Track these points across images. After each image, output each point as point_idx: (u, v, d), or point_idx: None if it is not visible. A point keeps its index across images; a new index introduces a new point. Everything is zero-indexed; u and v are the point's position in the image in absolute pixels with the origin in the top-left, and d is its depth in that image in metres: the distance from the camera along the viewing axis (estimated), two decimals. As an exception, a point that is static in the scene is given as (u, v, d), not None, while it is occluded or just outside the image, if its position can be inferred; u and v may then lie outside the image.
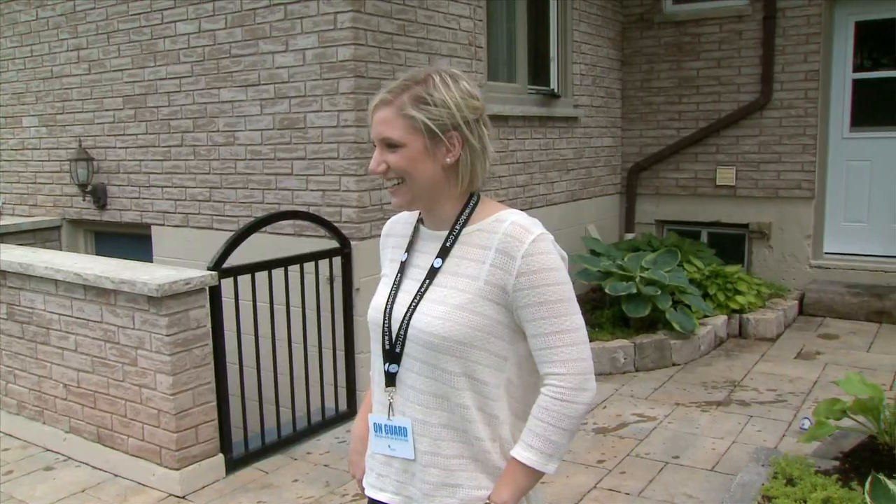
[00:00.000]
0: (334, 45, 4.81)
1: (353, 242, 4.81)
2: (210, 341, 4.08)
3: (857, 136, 7.12)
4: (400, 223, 1.86)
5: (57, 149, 6.63)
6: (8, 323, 4.71)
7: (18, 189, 7.12)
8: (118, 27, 5.94)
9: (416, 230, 1.78)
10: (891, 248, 7.10)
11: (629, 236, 7.68)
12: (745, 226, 7.44)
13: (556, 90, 6.83)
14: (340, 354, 4.82)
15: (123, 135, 6.07)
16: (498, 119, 6.03)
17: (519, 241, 1.58)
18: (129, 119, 6.00)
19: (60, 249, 6.81)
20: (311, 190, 5.05)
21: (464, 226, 1.67)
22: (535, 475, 1.61)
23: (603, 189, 7.65)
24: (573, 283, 1.63)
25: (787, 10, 6.99)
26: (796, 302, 6.90)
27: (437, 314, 1.61)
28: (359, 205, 4.86)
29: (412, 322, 1.64)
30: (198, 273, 4.01)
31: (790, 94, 6.98)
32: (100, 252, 6.85)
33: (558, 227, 6.75)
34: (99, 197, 6.29)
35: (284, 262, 4.49)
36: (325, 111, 4.90)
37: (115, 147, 6.15)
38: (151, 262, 5.91)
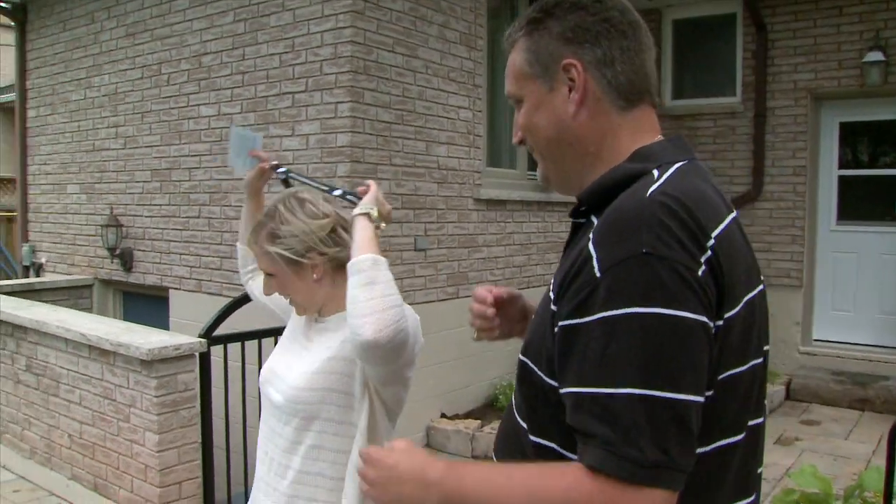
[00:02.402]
0: (334, 131, 5.26)
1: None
2: (198, 403, 4.42)
3: (844, 229, 7.35)
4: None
5: (94, 214, 7.21)
6: (27, 374, 5.18)
7: (60, 249, 7.74)
8: (151, 108, 6.54)
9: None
10: (877, 338, 7.25)
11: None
12: (740, 311, 7.62)
13: (555, 176, 7.16)
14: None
15: (150, 204, 6.62)
16: (496, 203, 6.41)
17: None
18: (155, 191, 6.55)
19: (92, 307, 7.35)
20: (308, 264, 5.46)
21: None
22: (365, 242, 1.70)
23: (604, 269, 7.91)
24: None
25: (776, 109, 7.31)
26: (783, 387, 7.04)
27: None
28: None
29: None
30: (188, 340, 4.41)
31: (780, 188, 7.25)
32: (126, 310, 7.36)
33: (553, 305, 7.04)
34: (126, 260, 6.83)
35: (274, 332, 4.85)
36: (323, 194, 5.33)
37: (141, 215, 6.70)
38: (168, 323, 6.39)
